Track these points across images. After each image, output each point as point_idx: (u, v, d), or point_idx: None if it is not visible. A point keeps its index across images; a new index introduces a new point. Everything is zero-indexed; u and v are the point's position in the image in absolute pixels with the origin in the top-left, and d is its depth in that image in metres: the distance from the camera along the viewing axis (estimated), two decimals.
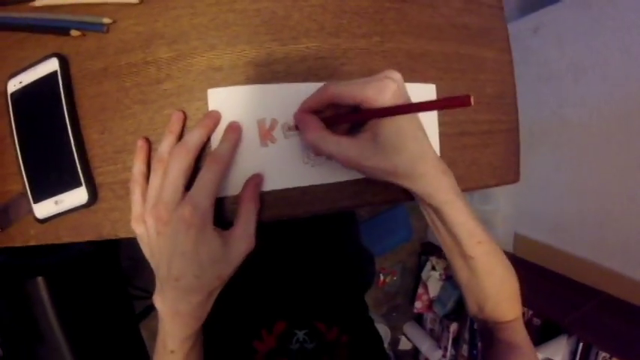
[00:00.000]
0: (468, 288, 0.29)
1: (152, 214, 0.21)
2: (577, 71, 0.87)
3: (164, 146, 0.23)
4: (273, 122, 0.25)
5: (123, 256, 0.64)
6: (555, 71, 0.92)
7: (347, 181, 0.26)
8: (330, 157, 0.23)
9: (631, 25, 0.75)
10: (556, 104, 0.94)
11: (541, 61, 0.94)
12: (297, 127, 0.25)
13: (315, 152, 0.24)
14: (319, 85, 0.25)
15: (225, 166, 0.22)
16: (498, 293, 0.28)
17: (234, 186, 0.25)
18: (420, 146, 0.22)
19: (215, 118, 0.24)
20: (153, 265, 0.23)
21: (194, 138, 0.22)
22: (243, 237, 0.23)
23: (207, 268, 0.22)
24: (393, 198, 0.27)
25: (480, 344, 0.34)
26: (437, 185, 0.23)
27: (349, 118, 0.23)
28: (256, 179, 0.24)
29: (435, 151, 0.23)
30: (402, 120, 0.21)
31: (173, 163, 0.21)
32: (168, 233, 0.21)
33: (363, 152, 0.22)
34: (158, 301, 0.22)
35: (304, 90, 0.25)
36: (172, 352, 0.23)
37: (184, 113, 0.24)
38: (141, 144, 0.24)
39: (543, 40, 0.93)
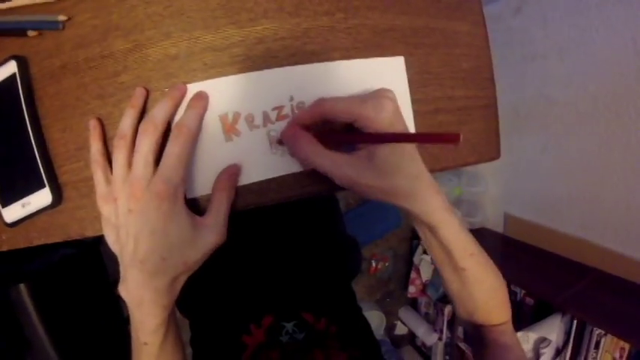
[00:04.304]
0: (458, 298, 0.30)
1: (124, 191, 0.21)
2: (562, 50, 0.86)
3: (126, 122, 0.22)
4: (236, 115, 0.24)
5: (109, 258, 0.64)
6: (540, 51, 0.90)
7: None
8: (323, 172, 0.22)
9: (616, 2, 0.74)
10: (542, 84, 0.92)
11: (525, 40, 0.93)
12: (280, 142, 0.24)
13: (302, 164, 0.24)
14: (280, 70, 0.24)
15: (193, 136, 0.22)
16: (489, 301, 0.29)
17: (203, 185, 0.24)
18: (416, 167, 0.23)
19: (181, 90, 0.23)
20: (117, 250, 0.23)
21: (161, 112, 0.22)
22: (213, 227, 0.23)
23: (175, 250, 0.21)
24: None
25: (470, 345, 0.34)
26: (433, 205, 0.23)
27: (342, 138, 0.22)
28: (231, 169, 0.24)
29: (427, 170, 0.24)
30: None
31: (142, 139, 0.21)
32: (138, 210, 0.20)
33: (359, 171, 0.21)
34: (122, 290, 0.22)
35: (264, 77, 0.24)
36: (145, 344, 0.23)
37: (147, 89, 0.24)
38: (94, 124, 0.23)
39: (526, 19, 0.92)
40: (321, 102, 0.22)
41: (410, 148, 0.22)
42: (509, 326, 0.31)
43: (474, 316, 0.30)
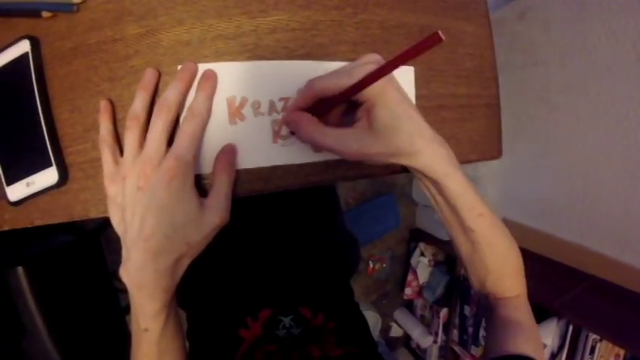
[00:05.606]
0: (469, 262, 0.29)
1: (134, 169, 0.21)
2: (564, 56, 0.87)
3: (137, 103, 0.22)
4: (243, 100, 0.24)
5: (109, 249, 0.64)
6: (542, 56, 0.91)
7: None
8: (330, 151, 0.23)
9: (617, 10, 0.75)
10: (542, 89, 0.93)
11: (527, 46, 0.94)
12: (292, 133, 0.25)
13: (315, 149, 0.24)
14: (292, 63, 0.25)
15: (205, 117, 0.23)
16: (500, 268, 0.28)
17: (205, 164, 0.24)
18: (415, 124, 0.23)
19: (191, 69, 0.23)
20: (121, 231, 0.23)
21: (174, 94, 0.22)
22: (215, 208, 0.23)
23: (179, 229, 0.21)
24: (368, 173, 0.27)
25: (484, 319, 0.33)
26: (436, 158, 0.23)
27: (335, 100, 0.22)
28: (227, 148, 0.24)
29: (429, 126, 0.24)
30: (393, 103, 0.22)
31: (156, 119, 0.22)
32: (148, 188, 0.21)
33: (363, 141, 0.22)
34: (123, 273, 0.22)
35: (275, 67, 0.25)
36: (146, 330, 0.23)
37: (158, 70, 0.24)
38: (104, 104, 0.24)
39: (530, 25, 0.93)
40: (310, 84, 0.22)
41: (405, 109, 0.22)
42: (523, 300, 0.29)
43: (486, 285, 0.28)
